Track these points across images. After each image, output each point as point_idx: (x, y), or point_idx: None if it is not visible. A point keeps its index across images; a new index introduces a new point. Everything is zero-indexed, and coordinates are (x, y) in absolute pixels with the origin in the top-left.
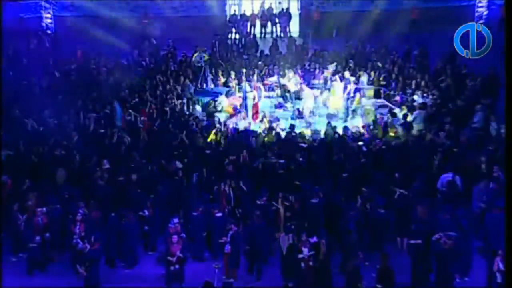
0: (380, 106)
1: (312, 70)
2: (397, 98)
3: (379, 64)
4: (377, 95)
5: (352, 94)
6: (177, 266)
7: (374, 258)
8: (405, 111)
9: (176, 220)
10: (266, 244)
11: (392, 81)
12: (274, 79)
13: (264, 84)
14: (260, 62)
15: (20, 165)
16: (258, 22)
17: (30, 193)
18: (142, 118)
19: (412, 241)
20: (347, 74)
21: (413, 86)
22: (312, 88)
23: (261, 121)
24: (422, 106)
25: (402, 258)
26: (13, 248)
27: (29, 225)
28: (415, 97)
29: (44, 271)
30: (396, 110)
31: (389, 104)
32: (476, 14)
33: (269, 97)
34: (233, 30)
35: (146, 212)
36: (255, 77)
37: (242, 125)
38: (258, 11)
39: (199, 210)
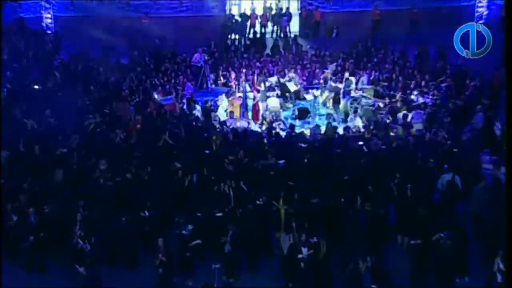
0: (380, 106)
1: (312, 70)
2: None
3: (379, 64)
4: (377, 95)
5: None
6: (160, 270)
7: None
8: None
9: (190, 227)
10: (262, 243)
11: (392, 81)
12: (274, 79)
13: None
14: (259, 63)
15: (20, 165)
16: (257, 22)
17: (21, 193)
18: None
19: (412, 242)
20: (347, 74)
21: (412, 86)
22: (312, 88)
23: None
24: (422, 106)
25: (402, 258)
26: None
27: (22, 225)
28: (413, 97)
29: (43, 271)
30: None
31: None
32: (476, 14)
33: (269, 97)
34: (233, 30)
35: (147, 213)
36: (255, 77)
37: (242, 126)
38: (258, 11)
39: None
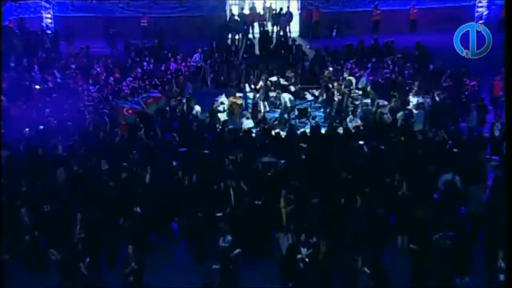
0: (380, 106)
1: (312, 70)
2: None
3: (379, 64)
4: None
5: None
6: (131, 278)
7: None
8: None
9: (229, 237)
10: (261, 243)
11: (392, 81)
12: (274, 79)
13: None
14: (259, 63)
15: (19, 165)
16: (257, 22)
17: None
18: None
19: (412, 246)
20: (346, 74)
21: (413, 86)
22: (312, 88)
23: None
24: (421, 106)
25: (402, 258)
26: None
27: (17, 225)
28: (411, 98)
29: (43, 271)
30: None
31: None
32: (476, 14)
33: (269, 97)
34: (233, 30)
35: (138, 209)
36: (255, 77)
37: (245, 125)
38: (259, 11)
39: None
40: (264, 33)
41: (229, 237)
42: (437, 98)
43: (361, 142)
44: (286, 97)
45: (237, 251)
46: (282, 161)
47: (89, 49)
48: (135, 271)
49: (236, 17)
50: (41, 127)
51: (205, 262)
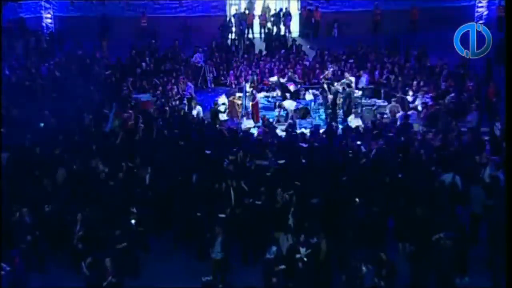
0: (380, 106)
1: (312, 70)
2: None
3: (379, 64)
4: (377, 95)
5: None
6: None
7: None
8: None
9: (274, 248)
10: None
11: (392, 81)
12: (274, 79)
13: (264, 84)
14: (260, 62)
15: (19, 165)
16: (257, 22)
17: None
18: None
19: (410, 247)
20: (347, 74)
21: (413, 86)
22: (312, 88)
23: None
24: (421, 106)
25: (402, 258)
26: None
27: (18, 225)
28: (410, 98)
29: (42, 271)
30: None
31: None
32: (476, 14)
33: (269, 97)
34: (233, 30)
35: (135, 210)
36: (255, 77)
37: (246, 125)
38: (259, 11)
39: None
40: (264, 33)
41: (274, 248)
42: (437, 98)
43: (358, 142)
44: (287, 104)
45: (282, 266)
46: (281, 162)
47: (96, 50)
48: (113, 285)
49: (236, 17)
50: (42, 124)
51: (205, 262)
